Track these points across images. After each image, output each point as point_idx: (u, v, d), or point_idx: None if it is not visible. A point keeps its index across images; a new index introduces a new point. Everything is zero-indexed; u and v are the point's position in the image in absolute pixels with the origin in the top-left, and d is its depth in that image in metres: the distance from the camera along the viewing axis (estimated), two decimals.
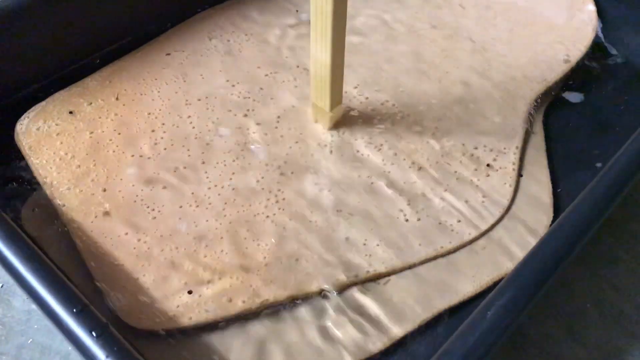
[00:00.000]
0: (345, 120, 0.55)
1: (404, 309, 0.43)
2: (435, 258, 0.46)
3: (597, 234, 0.42)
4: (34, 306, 0.43)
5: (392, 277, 0.45)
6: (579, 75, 0.56)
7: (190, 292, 0.43)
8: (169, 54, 0.59)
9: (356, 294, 0.44)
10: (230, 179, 0.50)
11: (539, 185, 0.49)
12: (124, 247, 0.46)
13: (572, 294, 0.44)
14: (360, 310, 0.43)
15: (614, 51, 0.58)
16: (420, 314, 0.43)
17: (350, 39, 0.54)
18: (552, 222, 0.46)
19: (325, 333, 0.43)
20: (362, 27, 0.62)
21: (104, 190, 0.49)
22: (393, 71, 0.59)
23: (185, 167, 0.51)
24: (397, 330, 0.42)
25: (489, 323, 0.34)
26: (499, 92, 0.53)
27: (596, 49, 0.57)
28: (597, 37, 0.58)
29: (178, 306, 0.43)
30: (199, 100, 0.56)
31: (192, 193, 0.49)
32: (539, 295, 0.35)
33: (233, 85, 0.58)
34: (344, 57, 0.48)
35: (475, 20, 0.60)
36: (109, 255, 0.45)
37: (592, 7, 0.58)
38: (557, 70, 0.55)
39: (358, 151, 0.52)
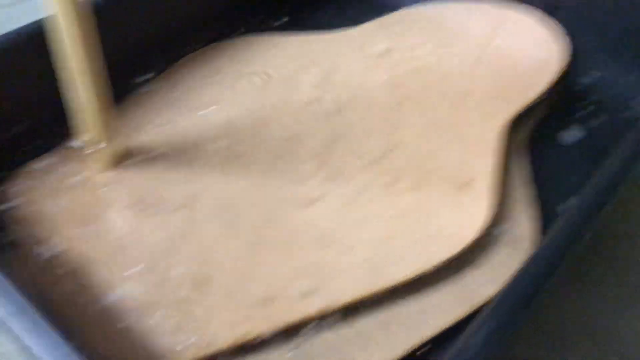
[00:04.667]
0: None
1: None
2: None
3: (581, 254, 0.44)
4: None
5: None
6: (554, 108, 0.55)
7: None
8: None
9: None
10: None
11: (523, 207, 0.46)
12: None
13: (554, 317, 0.43)
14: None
15: (585, 80, 0.58)
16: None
17: None
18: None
19: None
20: None
21: None
22: None
23: None
24: None
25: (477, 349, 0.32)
26: (472, 116, 0.51)
27: (566, 79, 0.56)
28: (569, 67, 0.56)
29: None
30: None
31: None
32: (524, 320, 0.34)
33: None
34: (105, 84, 0.44)
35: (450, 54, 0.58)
36: None
37: (562, 36, 0.58)
38: (531, 93, 0.53)
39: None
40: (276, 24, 0.62)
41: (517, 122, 0.51)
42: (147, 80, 0.55)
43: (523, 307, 0.33)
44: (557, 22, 0.59)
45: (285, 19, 0.63)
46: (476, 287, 0.41)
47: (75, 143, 0.48)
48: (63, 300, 0.40)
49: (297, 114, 0.51)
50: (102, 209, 0.44)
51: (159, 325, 0.38)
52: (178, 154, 0.48)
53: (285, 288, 0.40)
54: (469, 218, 0.43)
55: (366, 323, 0.39)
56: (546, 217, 0.45)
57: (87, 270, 0.41)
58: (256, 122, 0.50)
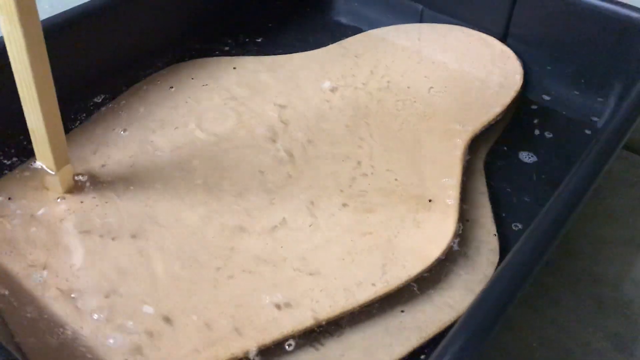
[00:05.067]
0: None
1: None
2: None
3: (538, 275, 0.40)
4: None
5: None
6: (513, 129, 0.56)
7: None
8: None
9: None
10: None
11: (483, 227, 0.46)
12: None
13: (518, 335, 0.43)
14: None
15: (543, 98, 0.59)
16: None
17: None
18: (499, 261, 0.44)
19: None
20: None
21: None
22: None
23: None
24: None
25: None
26: (431, 137, 0.52)
27: (519, 101, 0.58)
28: (523, 87, 0.58)
29: None
30: None
31: None
32: (491, 340, 0.33)
33: None
34: (57, 109, 0.43)
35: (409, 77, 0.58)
36: None
37: (515, 60, 0.60)
38: (488, 114, 0.54)
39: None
40: (239, 47, 0.62)
41: (475, 142, 0.51)
42: (102, 103, 0.53)
43: (486, 331, 0.32)
44: (509, 47, 0.60)
45: (249, 45, 0.63)
46: (435, 312, 0.40)
47: (35, 164, 0.46)
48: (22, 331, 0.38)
49: (257, 136, 0.50)
50: (52, 237, 0.43)
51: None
52: (131, 180, 0.47)
53: (254, 312, 0.39)
54: (433, 235, 0.43)
55: (329, 349, 0.38)
56: (501, 234, 0.46)
57: (41, 302, 0.39)
58: (214, 148, 0.49)
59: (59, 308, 0.38)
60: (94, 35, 0.52)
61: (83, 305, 0.39)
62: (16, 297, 0.39)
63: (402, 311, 0.40)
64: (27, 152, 0.48)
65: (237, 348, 0.37)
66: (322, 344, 0.38)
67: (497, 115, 0.52)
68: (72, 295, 0.39)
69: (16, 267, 0.41)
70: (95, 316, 0.38)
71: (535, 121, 0.56)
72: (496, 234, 0.45)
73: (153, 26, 0.58)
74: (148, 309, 0.39)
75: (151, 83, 0.55)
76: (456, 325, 0.33)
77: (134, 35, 0.56)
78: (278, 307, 0.39)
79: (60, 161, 0.45)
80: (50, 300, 0.39)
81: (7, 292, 0.39)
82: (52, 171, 0.45)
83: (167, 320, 0.38)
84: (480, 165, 0.50)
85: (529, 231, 0.37)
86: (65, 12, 0.51)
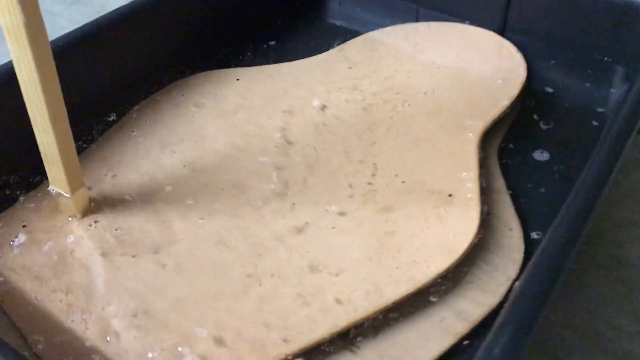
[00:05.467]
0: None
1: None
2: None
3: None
4: None
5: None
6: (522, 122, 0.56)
7: None
8: None
9: None
10: None
11: (503, 220, 0.45)
12: None
13: (549, 323, 0.43)
14: None
15: (546, 90, 0.59)
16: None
17: None
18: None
19: None
20: None
21: None
22: None
23: None
24: None
25: None
26: (443, 133, 0.52)
27: (525, 94, 0.58)
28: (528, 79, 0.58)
29: None
30: None
31: None
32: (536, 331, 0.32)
33: None
34: (69, 131, 0.43)
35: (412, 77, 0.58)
36: None
37: (517, 53, 0.60)
38: (496, 108, 0.54)
39: None
40: (240, 56, 0.62)
41: (486, 138, 0.51)
42: (111, 122, 0.53)
43: (531, 322, 0.32)
44: (508, 41, 0.60)
45: (249, 53, 0.63)
46: (467, 306, 0.40)
47: (50, 189, 0.45)
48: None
49: (268, 145, 0.50)
50: (71, 262, 0.42)
51: None
52: (146, 198, 0.46)
53: (291, 319, 0.38)
54: (458, 229, 0.43)
55: (367, 350, 0.38)
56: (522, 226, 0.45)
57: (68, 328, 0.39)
58: (227, 159, 0.49)
59: (90, 334, 0.38)
60: (96, 54, 0.52)
61: (117, 328, 0.38)
62: (42, 326, 0.39)
63: (435, 307, 0.39)
64: (39, 177, 0.48)
65: (285, 356, 0.37)
66: (358, 347, 0.38)
67: (506, 108, 0.53)
68: (103, 317, 0.39)
69: (38, 295, 0.40)
70: (133, 338, 0.37)
71: (541, 114, 0.56)
72: (516, 226, 0.45)
73: (149, 47, 0.57)
74: (202, 332, 0.38)
75: (157, 99, 0.55)
76: (502, 316, 0.33)
77: (133, 54, 0.56)
78: (311, 311, 0.38)
79: (75, 184, 0.44)
80: (77, 326, 0.38)
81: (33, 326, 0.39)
82: (67, 194, 0.44)
83: (220, 341, 0.38)
84: (494, 159, 0.50)
85: (557, 221, 0.37)
86: (66, 34, 0.50)
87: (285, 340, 0.37)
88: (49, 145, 0.42)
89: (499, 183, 0.48)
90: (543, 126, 0.55)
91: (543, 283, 0.33)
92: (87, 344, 0.37)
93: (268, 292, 0.40)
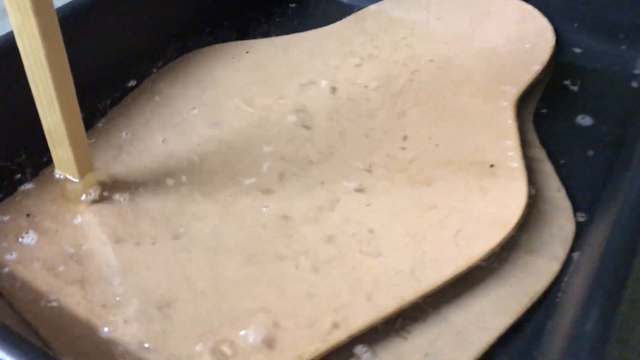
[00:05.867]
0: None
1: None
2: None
3: None
4: None
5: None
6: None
7: None
8: None
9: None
10: None
11: (548, 189, 0.43)
12: None
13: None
14: None
15: (575, 53, 0.57)
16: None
17: None
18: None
19: None
20: None
21: None
22: None
23: None
24: None
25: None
26: (476, 102, 0.48)
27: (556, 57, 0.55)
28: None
29: None
30: None
31: None
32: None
33: None
34: (77, 108, 0.39)
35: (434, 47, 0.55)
36: None
37: (542, 18, 0.57)
38: (529, 73, 0.51)
39: None
40: (250, 28, 0.59)
41: (520, 103, 0.48)
42: (117, 100, 0.49)
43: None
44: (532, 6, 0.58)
45: (262, 24, 0.59)
46: (520, 282, 0.37)
47: (55, 173, 0.42)
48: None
49: (285, 120, 0.47)
50: (83, 252, 0.39)
51: None
52: (159, 181, 0.43)
53: (332, 302, 0.35)
54: (505, 201, 0.40)
55: (418, 336, 0.35)
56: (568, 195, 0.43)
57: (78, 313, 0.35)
58: (244, 137, 0.45)
59: (111, 329, 0.34)
60: (101, 27, 0.48)
61: (141, 321, 0.35)
62: (56, 322, 0.35)
63: (485, 286, 0.37)
64: (43, 161, 0.44)
65: (337, 342, 0.34)
66: (408, 332, 0.35)
67: (538, 74, 0.50)
68: (125, 311, 0.35)
69: (51, 289, 0.37)
70: (162, 332, 0.34)
71: (572, 78, 0.53)
72: (563, 196, 0.42)
73: (155, 21, 0.54)
74: (262, 317, 0.35)
75: (164, 75, 0.51)
76: (576, 292, 0.31)
77: (141, 28, 0.52)
78: (353, 295, 0.35)
79: (83, 167, 0.41)
80: (97, 321, 0.35)
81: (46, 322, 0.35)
82: (75, 179, 0.41)
83: (276, 324, 0.35)
84: (530, 127, 0.47)
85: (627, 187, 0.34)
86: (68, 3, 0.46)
87: (335, 325, 0.34)
88: (54, 124, 0.39)
89: (539, 152, 0.45)
90: (577, 90, 0.52)
91: (624, 254, 0.30)
92: (107, 338, 0.34)
93: (307, 275, 0.37)
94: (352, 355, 0.34)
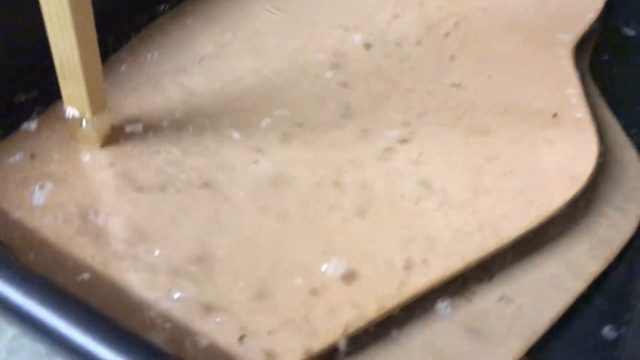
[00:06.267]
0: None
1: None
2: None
3: None
4: None
5: None
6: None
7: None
8: None
9: None
10: None
11: (614, 139, 0.40)
12: None
13: None
14: None
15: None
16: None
17: None
18: None
19: None
20: None
21: None
22: None
23: None
24: None
25: None
26: (530, 49, 0.45)
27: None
28: None
29: None
30: None
31: None
32: None
33: None
34: (94, 34, 0.35)
35: None
36: None
37: None
38: (583, 20, 0.47)
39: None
40: None
41: (577, 51, 0.45)
42: (138, 28, 0.44)
43: None
44: None
45: None
46: (598, 238, 0.34)
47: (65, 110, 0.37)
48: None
49: (326, 63, 0.42)
50: (99, 201, 0.35)
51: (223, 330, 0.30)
52: (182, 123, 0.39)
53: (391, 258, 0.32)
54: (574, 153, 0.37)
55: (483, 298, 0.31)
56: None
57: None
58: (276, 79, 0.41)
59: (138, 286, 0.31)
60: None
61: (173, 276, 0.31)
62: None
63: (559, 244, 0.33)
64: (49, 96, 0.39)
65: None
66: (473, 292, 0.31)
67: (593, 22, 0.46)
68: (153, 267, 0.31)
69: (61, 239, 0.32)
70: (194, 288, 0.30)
71: (629, 23, 0.50)
72: (631, 151, 0.39)
73: None
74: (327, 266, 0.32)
75: (189, 9, 0.46)
76: None
77: None
78: (418, 250, 0.32)
79: (97, 104, 0.36)
80: (120, 277, 0.31)
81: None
82: (87, 118, 0.37)
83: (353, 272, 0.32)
84: (587, 75, 0.44)
85: None
86: None
87: (402, 283, 0.31)
88: (66, 52, 0.34)
89: (599, 100, 0.42)
90: (635, 35, 0.49)
91: None
92: (136, 297, 0.30)
93: (362, 227, 0.33)
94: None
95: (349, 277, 0.31)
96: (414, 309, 0.31)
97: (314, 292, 0.31)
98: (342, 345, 0.29)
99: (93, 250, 0.32)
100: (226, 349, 0.29)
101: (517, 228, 0.32)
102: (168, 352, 0.27)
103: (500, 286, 0.32)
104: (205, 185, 0.35)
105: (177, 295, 0.30)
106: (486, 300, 0.31)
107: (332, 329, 0.29)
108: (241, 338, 0.29)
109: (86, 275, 0.31)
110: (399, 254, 0.32)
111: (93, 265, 0.32)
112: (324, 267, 0.32)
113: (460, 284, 0.31)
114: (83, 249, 0.32)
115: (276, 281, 0.31)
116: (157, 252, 0.32)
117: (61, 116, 0.38)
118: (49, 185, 0.35)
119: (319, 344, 0.29)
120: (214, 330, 0.29)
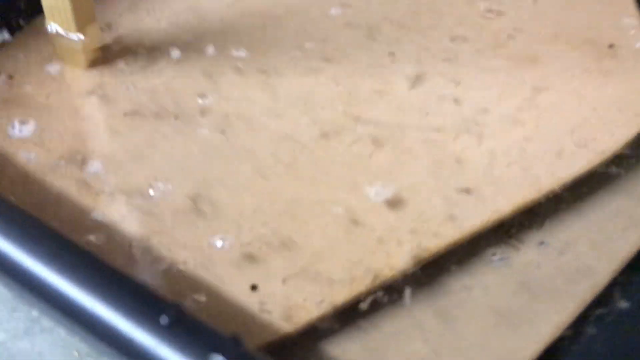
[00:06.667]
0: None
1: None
2: None
3: None
4: None
5: None
6: None
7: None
8: None
9: None
10: None
11: None
12: None
13: None
14: None
15: None
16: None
17: None
18: None
19: None
20: None
21: None
22: None
23: None
24: None
25: None
26: None
27: None
28: None
29: None
30: None
31: None
32: None
33: None
34: None
35: None
36: None
37: None
38: None
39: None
40: None
41: None
42: None
43: None
44: None
45: None
46: None
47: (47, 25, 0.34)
48: None
49: None
50: (85, 126, 0.31)
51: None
52: (181, 41, 0.34)
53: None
54: (634, 86, 0.32)
55: (530, 247, 0.27)
56: None
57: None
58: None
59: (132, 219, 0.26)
60: None
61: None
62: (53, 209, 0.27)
63: (613, 192, 0.29)
64: (29, 10, 0.35)
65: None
66: (521, 241, 0.27)
67: None
68: (148, 199, 0.27)
69: (43, 169, 0.28)
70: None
71: None
72: None
73: None
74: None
75: None
76: None
77: None
78: (454, 192, 0.27)
79: (83, 19, 0.33)
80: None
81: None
82: (72, 34, 0.33)
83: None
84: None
85: None
86: None
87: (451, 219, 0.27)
88: None
89: None
90: None
91: None
92: (132, 229, 0.26)
93: (394, 159, 0.29)
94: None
95: (395, 203, 0.28)
96: (462, 258, 0.27)
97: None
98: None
99: (78, 183, 0.28)
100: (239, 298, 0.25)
101: (573, 168, 0.28)
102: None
103: (552, 233, 0.28)
104: (203, 113, 0.31)
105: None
106: (537, 250, 0.27)
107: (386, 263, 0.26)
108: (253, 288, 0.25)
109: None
110: (443, 191, 0.28)
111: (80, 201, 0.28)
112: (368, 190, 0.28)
113: (507, 231, 0.27)
114: (67, 181, 0.28)
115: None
116: (158, 185, 0.28)
117: (43, 32, 0.34)
118: (29, 107, 0.31)
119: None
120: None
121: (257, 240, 0.26)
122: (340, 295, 0.25)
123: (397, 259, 0.26)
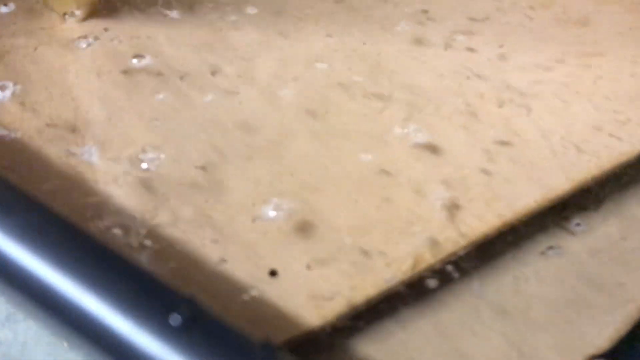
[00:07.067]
0: None
1: None
2: None
3: None
4: None
5: None
6: None
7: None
8: None
9: None
10: None
11: None
12: None
13: None
14: None
15: None
16: None
17: None
18: None
19: None
20: None
21: None
22: None
23: None
24: None
25: None
26: None
27: None
28: None
29: None
30: None
31: None
32: None
33: None
34: None
35: None
36: None
37: None
38: None
39: None
40: None
41: None
42: None
43: None
44: None
45: None
46: None
47: None
48: None
49: None
50: (79, 84, 0.28)
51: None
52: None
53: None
54: None
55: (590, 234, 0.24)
56: None
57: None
58: None
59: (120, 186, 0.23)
60: None
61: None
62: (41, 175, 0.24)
63: None
64: None
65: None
66: (578, 225, 0.24)
67: None
68: (143, 169, 0.24)
69: (27, 132, 0.25)
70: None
71: None
72: None
73: None
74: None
75: None
76: None
77: None
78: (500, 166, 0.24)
79: None
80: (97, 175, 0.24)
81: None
82: None
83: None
84: None
85: None
86: None
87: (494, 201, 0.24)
88: None
89: None
90: None
91: None
92: (117, 199, 0.23)
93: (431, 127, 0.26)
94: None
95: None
96: (509, 243, 0.24)
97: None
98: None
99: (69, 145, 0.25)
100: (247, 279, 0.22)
101: (622, 150, 0.25)
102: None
103: (612, 217, 0.25)
104: (214, 73, 0.27)
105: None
106: (595, 235, 0.24)
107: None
108: (272, 273, 0.22)
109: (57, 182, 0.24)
110: (485, 164, 0.24)
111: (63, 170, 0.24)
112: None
113: (560, 213, 0.24)
114: (52, 143, 0.25)
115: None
116: (157, 155, 0.25)
117: None
118: (15, 61, 0.28)
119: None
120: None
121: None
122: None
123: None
